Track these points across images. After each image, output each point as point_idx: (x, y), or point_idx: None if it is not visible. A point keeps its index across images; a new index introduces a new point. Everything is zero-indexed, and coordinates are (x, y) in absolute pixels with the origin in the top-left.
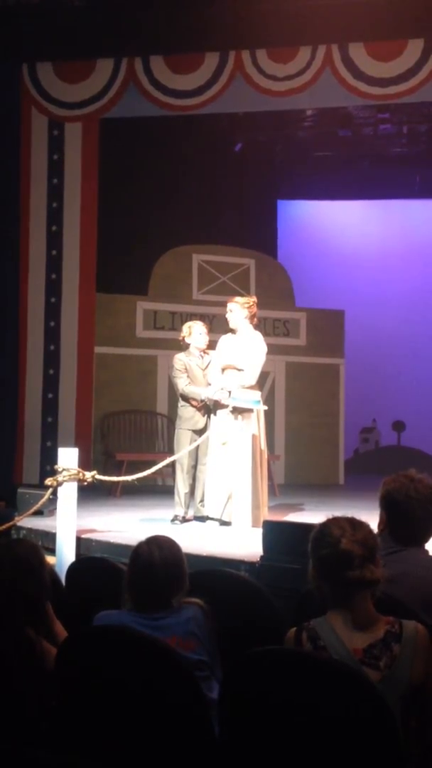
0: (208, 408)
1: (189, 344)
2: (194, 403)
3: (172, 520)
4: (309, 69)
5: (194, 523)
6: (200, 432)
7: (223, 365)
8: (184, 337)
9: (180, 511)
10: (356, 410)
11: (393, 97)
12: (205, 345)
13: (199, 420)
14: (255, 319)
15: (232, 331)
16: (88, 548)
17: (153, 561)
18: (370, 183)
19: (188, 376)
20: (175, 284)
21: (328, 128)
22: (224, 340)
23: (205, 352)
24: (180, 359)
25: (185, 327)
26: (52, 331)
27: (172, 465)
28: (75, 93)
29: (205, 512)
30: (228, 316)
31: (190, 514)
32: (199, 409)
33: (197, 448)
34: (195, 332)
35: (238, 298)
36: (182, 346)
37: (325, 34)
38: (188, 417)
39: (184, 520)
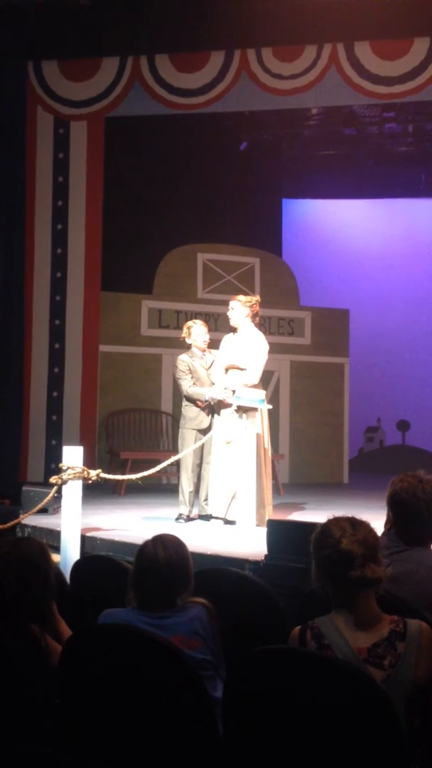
0: (212, 408)
1: (190, 344)
2: (199, 403)
3: (177, 519)
4: (314, 67)
5: (198, 521)
6: (204, 431)
7: (225, 365)
8: (184, 338)
9: (184, 509)
10: (361, 409)
11: (398, 95)
12: (204, 345)
13: (204, 419)
14: (257, 318)
15: (233, 329)
16: (92, 546)
17: (158, 559)
18: (375, 182)
19: (192, 377)
20: (179, 283)
21: (333, 127)
22: (227, 339)
23: (207, 351)
24: (183, 360)
25: (185, 327)
26: (57, 329)
27: (177, 464)
28: (80, 91)
29: (209, 511)
30: (229, 314)
31: (195, 512)
32: (203, 409)
33: (201, 446)
34: (194, 332)
35: (240, 297)
36: (184, 346)
37: (330, 32)
38: (192, 417)
39: (189, 518)
